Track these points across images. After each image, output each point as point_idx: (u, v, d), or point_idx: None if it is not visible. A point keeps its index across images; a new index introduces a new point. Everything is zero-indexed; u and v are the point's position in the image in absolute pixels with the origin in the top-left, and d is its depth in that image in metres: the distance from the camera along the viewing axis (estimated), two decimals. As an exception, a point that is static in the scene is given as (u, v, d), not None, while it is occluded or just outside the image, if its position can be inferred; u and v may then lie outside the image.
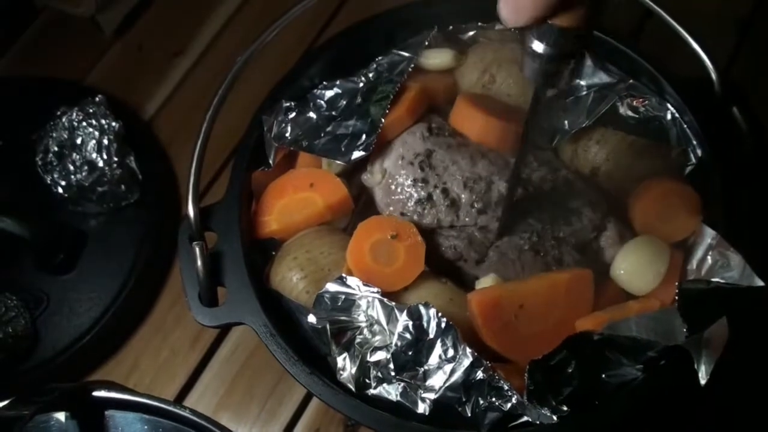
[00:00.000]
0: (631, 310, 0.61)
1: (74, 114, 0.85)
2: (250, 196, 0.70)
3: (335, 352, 0.59)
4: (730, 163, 0.65)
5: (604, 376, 0.57)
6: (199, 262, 0.62)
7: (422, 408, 0.57)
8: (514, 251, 0.64)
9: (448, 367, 0.56)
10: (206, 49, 1.03)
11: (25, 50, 1.05)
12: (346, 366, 0.59)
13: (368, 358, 0.58)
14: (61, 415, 0.54)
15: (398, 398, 0.57)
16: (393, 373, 0.57)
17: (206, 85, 0.99)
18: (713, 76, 0.67)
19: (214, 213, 0.67)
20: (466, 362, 0.56)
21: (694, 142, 0.68)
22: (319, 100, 0.71)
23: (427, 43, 0.72)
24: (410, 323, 0.57)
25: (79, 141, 0.85)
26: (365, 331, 0.59)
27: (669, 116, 0.69)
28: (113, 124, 0.86)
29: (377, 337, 0.58)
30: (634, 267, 0.64)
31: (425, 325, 0.57)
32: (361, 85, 0.71)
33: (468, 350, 0.55)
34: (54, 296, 0.83)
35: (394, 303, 0.58)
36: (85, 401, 0.55)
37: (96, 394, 0.56)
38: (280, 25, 0.70)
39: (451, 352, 0.56)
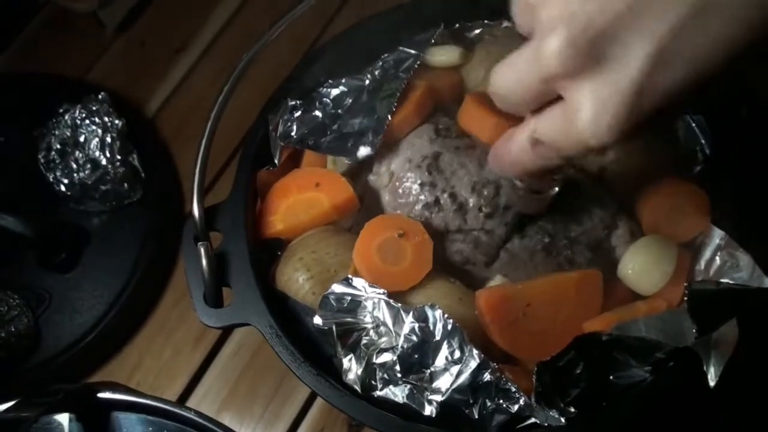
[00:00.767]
0: (639, 311, 0.61)
1: (77, 111, 0.85)
2: (255, 195, 0.69)
3: (341, 354, 0.59)
4: (739, 163, 0.65)
5: (612, 377, 0.57)
6: (204, 263, 0.62)
7: (429, 410, 0.56)
8: (525, 253, 0.64)
9: (454, 369, 0.56)
10: (209, 46, 1.02)
11: (27, 46, 1.04)
12: (351, 367, 0.59)
13: (374, 360, 0.58)
14: (65, 417, 0.54)
15: (405, 400, 0.57)
16: (399, 375, 0.57)
17: (209, 82, 0.98)
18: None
19: (219, 213, 0.66)
20: (473, 364, 0.55)
21: (703, 141, 0.67)
22: (324, 98, 0.70)
23: (433, 41, 0.72)
24: (416, 325, 0.56)
25: (82, 139, 0.85)
26: (371, 332, 0.58)
27: (677, 116, 0.68)
28: (116, 121, 0.85)
29: (383, 339, 0.58)
30: (641, 267, 0.63)
31: (431, 327, 0.56)
32: (367, 82, 0.70)
33: (475, 352, 0.55)
34: (56, 295, 0.82)
35: (400, 304, 0.57)
36: (90, 403, 0.55)
37: (100, 395, 0.56)
38: (285, 22, 0.70)
39: (457, 354, 0.56)
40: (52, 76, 0.98)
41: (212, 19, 1.04)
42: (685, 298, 0.55)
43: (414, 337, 0.56)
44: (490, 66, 0.72)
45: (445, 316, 0.56)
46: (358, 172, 0.70)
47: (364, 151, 0.65)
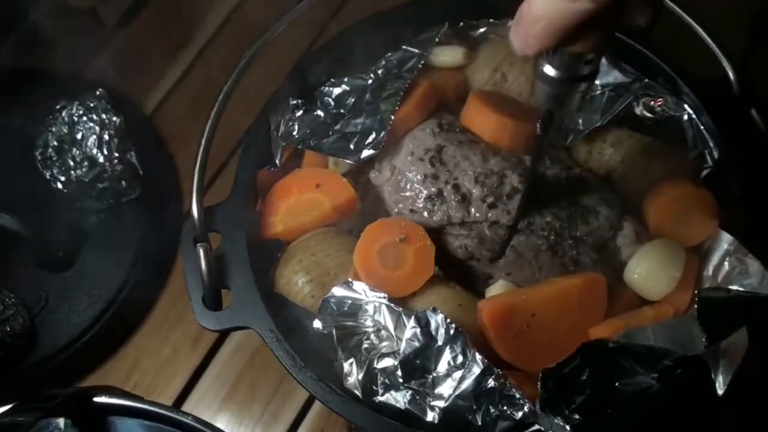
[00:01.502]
0: (646, 317, 0.60)
1: (74, 108, 0.84)
2: (255, 196, 0.68)
3: (341, 358, 0.58)
4: (748, 166, 0.64)
5: (618, 384, 0.56)
6: (203, 264, 0.61)
7: (431, 416, 0.56)
8: (531, 251, 0.63)
9: (457, 375, 0.55)
10: (208, 43, 1.01)
11: (25, 42, 1.03)
12: (352, 371, 0.58)
13: (375, 365, 0.57)
14: (62, 421, 0.53)
15: (407, 406, 0.56)
16: (401, 380, 0.56)
17: (208, 79, 0.97)
18: (731, 76, 0.66)
19: (218, 213, 0.66)
20: (477, 370, 0.54)
21: (711, 144, 0.66)
22: (327, 98, 0.69)
23: (437, 40, 0.71)
24: (418, 329, 0.55)
25: (79, 136, 0.84)
26: (372, 336, 0.58)
27: (686, 117, 0.67)
28: (114, 119, 0.84)
29: (384, 343, 0.57)
30: (648, 271, 0.62)
31: (433, 331, 0.55)
32: (370, 82, 0.69)
33: (478, 357, 0.54)
34: (53, 294, 0.81)
35: (401, 309, 0.57)
36: (86, 407, 0.54)
37: (97, 400, 0.55)
38: (288, 19, 0.69)
39: (460, 359, 0.55)
40: (50, 72, 0.96)
41: (212, 15, 1.03)
42: (696, 305, 0.54)
43: (416, 342, 0.55)
44: (495, 67, 0.71)
45: (448, 320, 0.55)
46: (359, 172, 0.69)
47: (367, 152, 0.64)
